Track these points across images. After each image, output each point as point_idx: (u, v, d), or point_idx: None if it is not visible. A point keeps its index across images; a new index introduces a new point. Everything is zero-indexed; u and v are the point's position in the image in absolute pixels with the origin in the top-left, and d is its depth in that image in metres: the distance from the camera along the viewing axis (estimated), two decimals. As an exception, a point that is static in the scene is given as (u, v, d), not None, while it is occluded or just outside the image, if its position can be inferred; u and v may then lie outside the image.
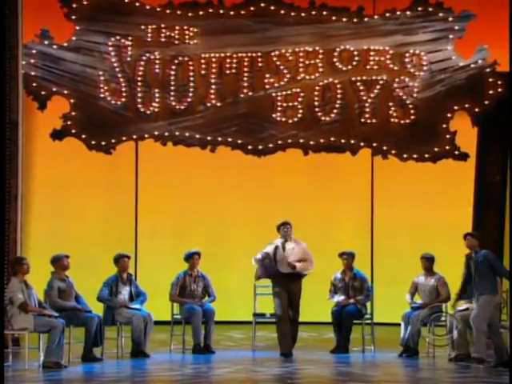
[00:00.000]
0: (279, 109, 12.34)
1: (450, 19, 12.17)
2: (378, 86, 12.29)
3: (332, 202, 13.23)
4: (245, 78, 12.33)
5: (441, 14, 12.22)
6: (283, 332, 9.48)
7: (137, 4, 12.32)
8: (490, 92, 12.10)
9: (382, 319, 11.24)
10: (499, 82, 12.00)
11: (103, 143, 12.30)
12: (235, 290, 12.74)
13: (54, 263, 9.56)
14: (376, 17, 12.32)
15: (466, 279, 9.08)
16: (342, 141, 12.34)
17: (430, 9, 12.23)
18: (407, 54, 12.26)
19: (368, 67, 12.29)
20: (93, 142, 12.29)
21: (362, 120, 12.30)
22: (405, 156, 12.36)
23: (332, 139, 12.34)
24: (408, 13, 12.27)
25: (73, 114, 12.22)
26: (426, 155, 12.29)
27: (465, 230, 12.26)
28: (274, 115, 12.32)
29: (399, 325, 10.21)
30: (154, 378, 8.66)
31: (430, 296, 10.21)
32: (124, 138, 12.35)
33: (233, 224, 13.29)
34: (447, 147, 12.24)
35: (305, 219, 12.82)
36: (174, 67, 12.32)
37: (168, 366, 9.27)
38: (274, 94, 12.34)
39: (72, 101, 12.20)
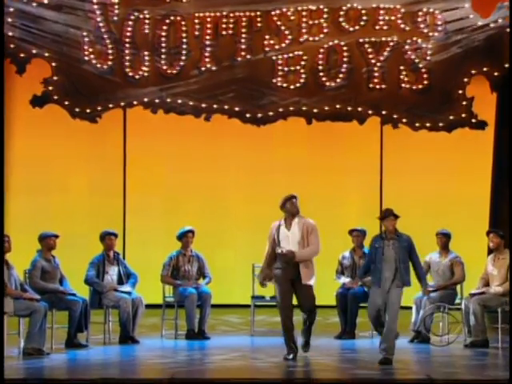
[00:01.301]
0: (280, 73, 12.24)
1: (468, -27, 12.05)
2: (387, 48, 12.18)
3: (337, 176, 13.22)
4: (242, 40, 12.21)
5: (457, -32, 12.09)
6: (285, 325, 8.62)
7: (124, -44, 12.18)
8: (511, 54, 12.00)
9: (391, 302, 11.21)
10: (521, 44, 11.89)
11: (88, 111, 12.21)
12: (232, 271, 12.78)
13: (41, 241, 9.55)
14: (386, -29, 12.18)
15: (369, 263, 8.56)
16: (349, 108, 12.26)
17: (446, -38, 12.10)
18: (420, 13, 12.13)
19: (377, 27, 12.17)
20: (77, 110, 12.20)
21: (371, 85, 12.21)
22: (417, 125, 12.28)
23: (337, 106, 12.26)
24: (421, -33, 12.14)
25: (54, 78, 12.12)
26: (441, 124, 12.22)
27: (483, 206, 12.39)
28: (274, 80, 12.23)
29: (410, 308, 10.19)
30: (143, 365, 8.66)
31: (444, 277, 10.19)
32: (111, 105, 12.26)
33: (229, 199, 13.28)
34: (463, 115, 12.15)
35: (308, 194, 12.75)
36: (165, 28, 12.19)
37: (159, 352, 9.25)
38: (274, 58, 12.24)
39: (54, 64, 12.10)
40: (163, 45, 12.20)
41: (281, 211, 8.85)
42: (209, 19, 12.19)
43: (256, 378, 7.82)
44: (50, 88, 12.12)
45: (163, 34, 12.20)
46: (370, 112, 12.30)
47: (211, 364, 8.66)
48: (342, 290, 10.32)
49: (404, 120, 12.31)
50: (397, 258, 8.48)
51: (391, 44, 12.19)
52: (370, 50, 12.18)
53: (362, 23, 12.17)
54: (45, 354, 8.76)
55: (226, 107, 12.29)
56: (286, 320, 8.64)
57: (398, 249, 8.50)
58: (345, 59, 12.20)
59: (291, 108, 12.29)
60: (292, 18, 12.19)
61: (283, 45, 12.22)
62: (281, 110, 12.30)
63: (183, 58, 12.21)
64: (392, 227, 8.65)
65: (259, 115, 12.32)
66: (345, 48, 12.20)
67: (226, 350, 9.22)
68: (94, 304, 9.82)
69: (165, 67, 12.21)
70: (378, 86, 12.20)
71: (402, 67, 12.19)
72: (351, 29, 12.19)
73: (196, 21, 12.19)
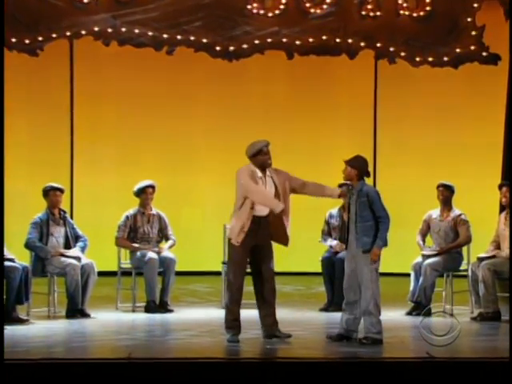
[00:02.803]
0: (256, -2, 12.18)
1: None
2: (383, -32, 12.13)
3: (324, 120, 13.26)
4: (211, -42, 12.12)
5: None
6: (232, 309, 8.43)
7: None
8: (529, -26, 11.97)
9: (386, 269, 11.25)
10: (541, -40, 11.85)
11: (27, 41, 12.11)
12: (200, 233, 12.83)
13: (-28, 198, 9.52)
14: None
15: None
16: (337, 40, 12.25)
17: None
18: None
19: None
20: (13, 40, 12.09)
21: (363, 13, 12.19)
22: (417, 59, 12.29)
23: (324, 38, 12.23)
24: None
25: (-14, 3, 11.98)
26: (445, 58, 12.23)
27: (494, 155, 12.41)
28: (248, 6, 12.18)
29: (408, 276, 10.23)
30: (95, 343, 8.66)
31: (446, 238, 10.24)
32: (54, 35, 12.17)
33: (196, 148, 13.29)
34: (472, 47, 12.16)
35: (289, 142, 12.82)
36: None
37: (114, 328, 9.28)
38: (249, -21, 12.16)
39: (-15, -14, 11.95)
40: (116, -37, 12.08)
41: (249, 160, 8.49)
42: None
43: (227, 358, 7.86)
44: (-19, 14, 11.99)
45: None
46: (362, 44, 12.28)
47: (175, 341, 8.66)
48: (329, 255, 10.34)
49: (402, 54, 12.30)
50: (355, 215, 8.29)
51: (387, -38, 12.14)
52: (362, -31, 12.14)
53: None
54: (-23, 331, 8.74)
55: (191, 38, 12.22)
56: (236, 299, 8.41)
57: (357, 204, 8.31)
58: (333, -19, 12.15)
59: (269, 40, 12.25)
60: None
61: (259, -37, 12.14)
62: (257, 41, 12.26)
63: (141, -22, 12.11)
64: (347, 176, 8.45)
65: (231, 48, 12.27)
66: (333, -32, 12.13)
67: (193, 325, 9.24)
68: (37, 271, 9.84)
69: (119, -10, 12.11)
70: (371, 14, 12.18)
71: (400, -9, 12.16)
72: None
73: None
